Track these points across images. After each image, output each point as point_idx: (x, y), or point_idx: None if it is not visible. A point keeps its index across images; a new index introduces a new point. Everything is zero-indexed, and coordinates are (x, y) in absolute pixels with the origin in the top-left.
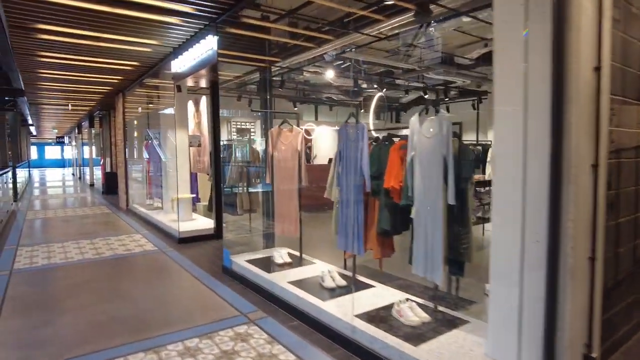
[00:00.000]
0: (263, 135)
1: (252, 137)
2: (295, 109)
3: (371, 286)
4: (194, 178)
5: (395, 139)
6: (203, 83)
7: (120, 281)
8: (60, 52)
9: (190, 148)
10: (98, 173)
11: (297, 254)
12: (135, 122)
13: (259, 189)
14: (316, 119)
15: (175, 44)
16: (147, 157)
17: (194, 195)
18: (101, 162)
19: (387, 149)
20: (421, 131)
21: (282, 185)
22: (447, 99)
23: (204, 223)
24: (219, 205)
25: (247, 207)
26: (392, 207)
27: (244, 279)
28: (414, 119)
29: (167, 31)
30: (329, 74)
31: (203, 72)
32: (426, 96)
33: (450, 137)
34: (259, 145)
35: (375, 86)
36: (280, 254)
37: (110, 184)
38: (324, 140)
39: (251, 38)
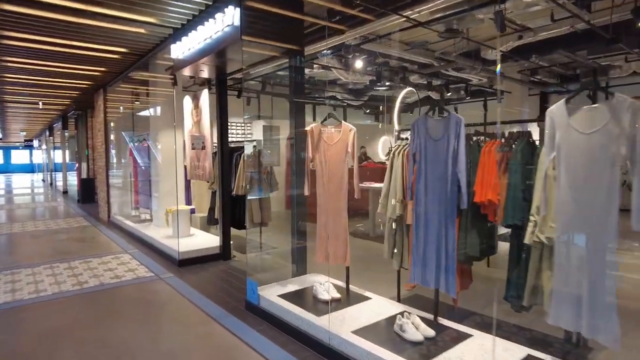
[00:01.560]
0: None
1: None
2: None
3: (469, 335)
4: (187, 186)
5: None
6: (206, 73)
7: (112, 326)
8: (29, 32)
9: (187, 152)
10: (72, 179)
11: (339, 282)
12: (112, 124)
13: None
14: (314, 120)
15: (178, 23)
16: (134, 161)
17: (192, 207)
18: (76, 168)
19: (475, 150)
20: (570, 124)
21: (326, 199)
22: (467, 98)
23: (206, 240)
24: (225, 219)
25: (259, 219)
26: (481, 227)
27: (279, 321)
28: (556, 107)
29: (169, 5)
30: (357, 64)
31: (207, 60)
32: (448, 94)
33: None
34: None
35: (401, 84)
36: (325, 287)
37: (87, 192)
38: None
39: (278, 17)
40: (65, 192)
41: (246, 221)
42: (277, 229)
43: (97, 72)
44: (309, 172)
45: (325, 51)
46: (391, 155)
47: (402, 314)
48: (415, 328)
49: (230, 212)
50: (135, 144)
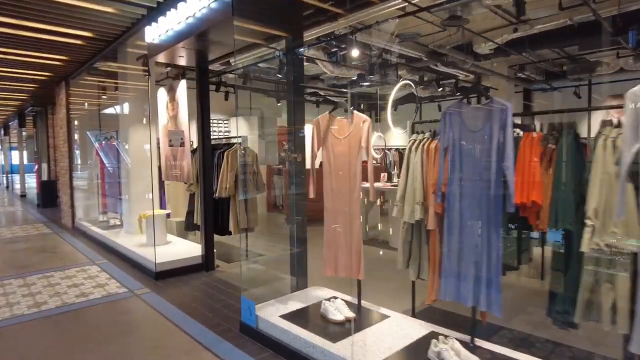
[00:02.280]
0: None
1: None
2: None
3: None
4: (160, 188)
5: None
6: (185, 60)
7: (77, 358)
8: None
9: (161, 150)
10: (31, 181)
11: (347, 297)
12: (76, 122)
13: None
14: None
15: (153, 0)
16: (101, 162)
17: (168, 212)
18: (35, 169)
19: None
20: None
21: (335, 202)
22: (457, 94)
23: (186, 249)
24: (208, 224)
25: (245, 224)
26: (519, 232)
27: (284, 348)
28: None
29: None
30: (349, 54)
31: (187, 43)
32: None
33: None
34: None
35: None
36: (335, 305)
37: (48, 195)
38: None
39: None
40: (23, 196)
41: (230, 226)
42: (260, 233)
43: (58, 62)
44: (314, 171)
45: (320, 40)
46: (407, 151)
47: (436, 337)
48: (457, 356)
49: (212, 217)
50: (103, 142)
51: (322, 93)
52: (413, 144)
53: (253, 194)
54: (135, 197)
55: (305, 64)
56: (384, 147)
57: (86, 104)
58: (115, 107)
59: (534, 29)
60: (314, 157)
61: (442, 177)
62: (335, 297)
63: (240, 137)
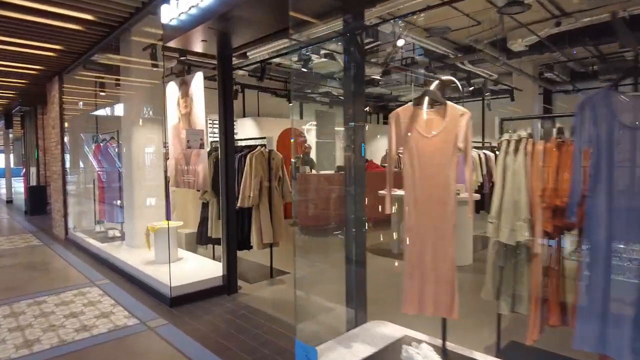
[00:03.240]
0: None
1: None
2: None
3: None
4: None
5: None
6: (205, 45)
7: None
8: None
9: (170, 152)
10: (19, 186)
11: (420, 335)
12: (67, 124)
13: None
14: (301, 118)
15: None
16: (99, 166)
17: (181, 223)
18: (23, 173)
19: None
20: None
21: (421, 219)
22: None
23: (202, 267)
24: (231, 240)
25: (270, 239)
26: None
27: None
28: None
29: None
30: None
31: (214, 23)
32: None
33: None
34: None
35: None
36: (423, 352)
37: (37, 202)
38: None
39: None
40: (9, 202)
41: (253, 241)
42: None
43: (51, 52)
44: (391, 178)
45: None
46: (502, 154)
47: None
48: None
49: (235, 231)
50: (101, 144)
51: (335, 93)
52: (508, 145)
53: (279, 204)
54: (139, 205)
55: (319, 61)
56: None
57: (81, 103)
58: (115, 105)
59: (579, 22)
60: (391, 160)
61: (578, 188)
62: (419, 341)
63: (264, 138)
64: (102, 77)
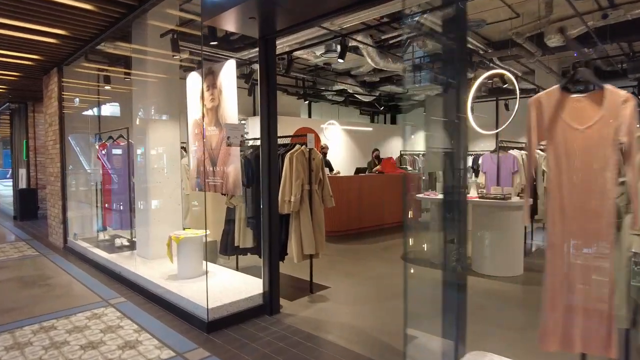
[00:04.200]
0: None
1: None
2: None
3: None
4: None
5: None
6: (242, 26)
7: None
8: None
9: (190, 152)
10: (5, 190)
11: None
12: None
13: (308, 215)
14: (309, 116)
15: None
16: (104, 166)
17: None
18: (9, 175)
19: None
20: None
21: (571, 230)
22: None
23: (235, 282)
24: (273, 252)
25: (312, 249)
26: None
27: None
28: None
29: None
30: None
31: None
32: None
33: None
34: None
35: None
36: None
37: (28, 206)
38: (345, 148)
39: None
40: None
41: (292, 252)
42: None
43: (53, 39)
44: (531, 179)
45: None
46: None
47: None
48: None
49: (276, 240)
50: (107, 143)
51: (350, 91)
52: None
53: (320, 210)
54: (155, 211)
55: (334, 56)
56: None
57: (77, 99)
58: (122, 100)
59: (629, 14)
60: (531, 159)
61: None
62: None
63: (304, 135)
64: (107, 70)
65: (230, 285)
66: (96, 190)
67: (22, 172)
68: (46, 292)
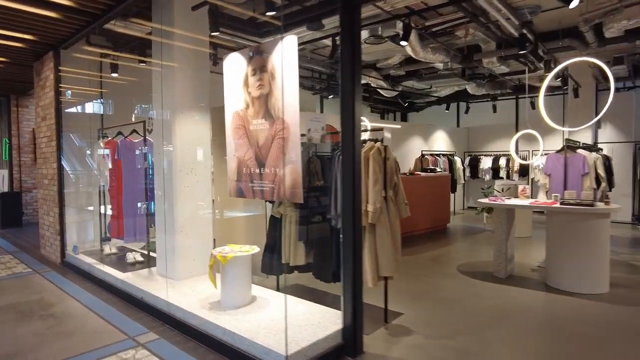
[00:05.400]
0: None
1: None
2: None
3: None
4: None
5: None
6: None
7: None
8: None
9: (229, 150)
10: None
11: None
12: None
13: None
14: (322, 111)
15: None
16: (114, 167)
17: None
18: None
19: None
20: None
21: None
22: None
23: (298, 313)
24: (357, 275)
25: (390, 270)
26: None
27: None
28: None
29: None
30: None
31: None
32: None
33: None
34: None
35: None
36: None
37: (10, 212)
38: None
39: None
40: None
41: (366, 274)
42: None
43: (53, 12)
44: None
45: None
46: None
47: None
48: None
49: (360, 261)
50: (117, 140)
51: (373, 85)
52: None
53: (395, 222)
54: (182, 220)
55: (365, 45)
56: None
57: (69, 92)
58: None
59: None
60: None
61: None
62: None
63: (377, 130)
64: (115, 55)
65: (297, 318)
66: (99, 195)
67: (3, 173)
68: (52, 327)
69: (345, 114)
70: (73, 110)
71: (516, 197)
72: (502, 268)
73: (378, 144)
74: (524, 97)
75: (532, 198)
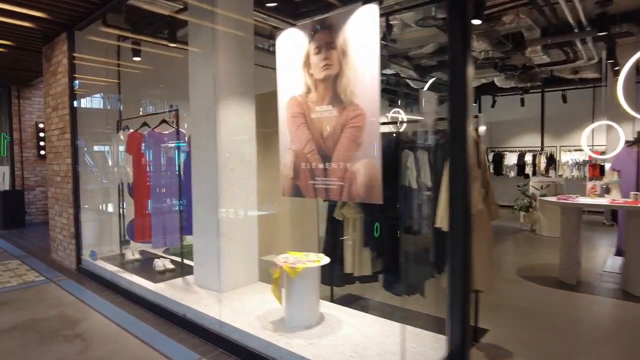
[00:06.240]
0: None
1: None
2: None
3: None
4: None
5: None
6: None
7: None
8: None
9: (282, 142)
10: None
11: None
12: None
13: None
14: None
15: None
16: (138, 162)
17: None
18: None
19: None
20: None
21: None
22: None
23: (383, 335)
24: (467, 290)
25: (484, 284)
26: None
27: None
28: None
29: None
30: None
31: None
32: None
33: None
34: None
35: None
36: None
37: (11, 212)
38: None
39: None
40: None
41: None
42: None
43: None
44: None
45: None
46: None
47: None
48: None
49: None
50: (145, 132)
51: (403, 75)
52: None
53: (487, 225)
54: (226, 223)
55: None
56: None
57: (77, 82)
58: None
59: None
60: None
61: None
62: None
63: (477, 116)
64: (137, 38)
65: (384, 343)
66: (119, 193)
67: (4, 170)
68: (82, 351)
69: (457, 86)
70: (85, 100)
71: (583, 195)
72: (572, 274)
73: (474, 134)
74: (600, 86)
75: (601, 197)
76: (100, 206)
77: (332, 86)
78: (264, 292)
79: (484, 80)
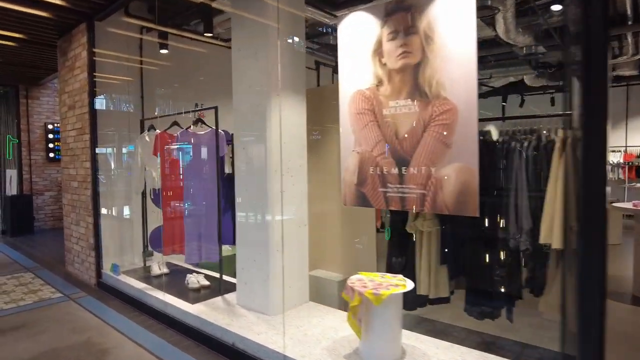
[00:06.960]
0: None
1: None
2: None
3: None
4: (228, 217)
5: None
6: None
7: None
8: None
9: (343, 143)
10: None
11: None
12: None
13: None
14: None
15: None
16: (171, 165)
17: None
18: None
19: None
20: None
21: None
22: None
23: None
24: (603, 323)
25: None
26: None
27: None
28: None
29: None
30: None
31: None
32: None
33: None
34: None
35: None
36: None
37: (19, 218)
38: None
39: None
40: None
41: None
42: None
43: None
44: None
45: None
46: None
47: None
48: None
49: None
50: (176, 133)
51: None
52: None
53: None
54: (277, 236)
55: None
56: None
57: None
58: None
59: None
60: None
61: None
62: None
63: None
64: (166, 29)
65: None
66: (143, 200)
67: (12, 174)
68: None
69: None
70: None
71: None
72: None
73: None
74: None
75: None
76: (121, 214)
77: (412, 77)
78: (319, 314)
79: (512, 79)
